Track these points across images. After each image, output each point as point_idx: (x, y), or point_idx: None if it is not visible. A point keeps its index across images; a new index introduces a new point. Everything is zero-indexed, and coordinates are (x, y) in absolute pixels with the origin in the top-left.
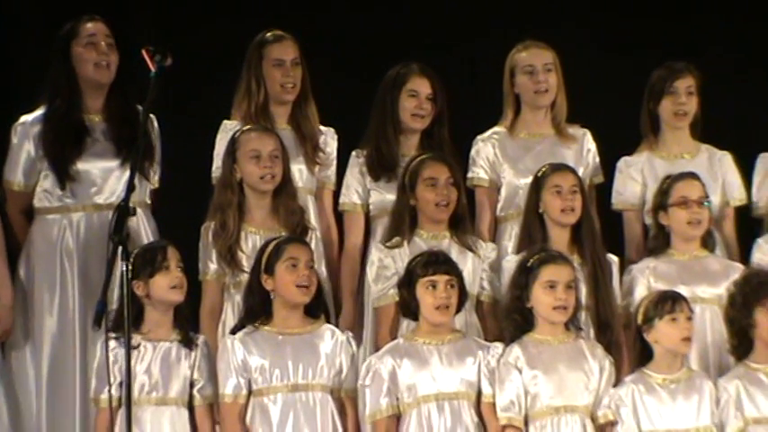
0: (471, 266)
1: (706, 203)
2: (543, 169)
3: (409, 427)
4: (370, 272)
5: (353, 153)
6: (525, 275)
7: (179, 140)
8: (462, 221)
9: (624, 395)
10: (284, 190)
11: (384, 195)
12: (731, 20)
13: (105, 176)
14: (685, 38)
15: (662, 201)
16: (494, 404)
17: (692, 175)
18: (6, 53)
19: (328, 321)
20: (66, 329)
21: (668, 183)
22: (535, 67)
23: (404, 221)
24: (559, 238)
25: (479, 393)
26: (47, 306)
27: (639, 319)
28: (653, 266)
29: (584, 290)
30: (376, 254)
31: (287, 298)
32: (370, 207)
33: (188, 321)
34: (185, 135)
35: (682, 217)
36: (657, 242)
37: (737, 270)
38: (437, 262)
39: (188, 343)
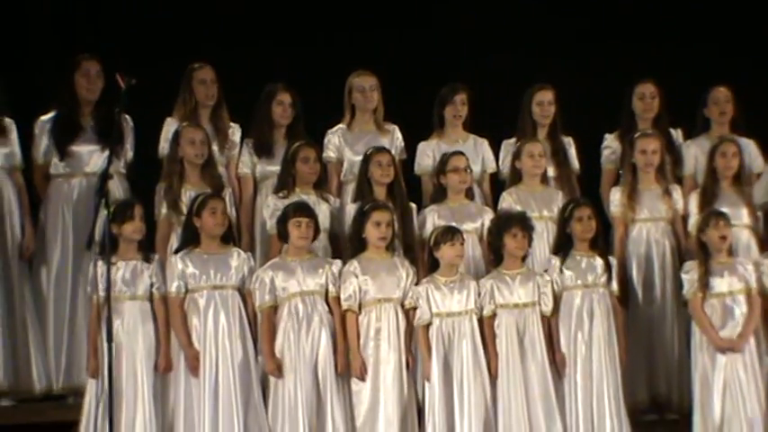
0: (327, 211)
1: (469, 171)
2: (370, 150)
3: (283, 313)
4: (267, 212)
5: (245, 141)
6: (361, 216)
7: (144, 130)
8: (322, 183)
9: (421, 291)
10: (209, 163)
11: (264, 167)
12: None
13: (91, 155)
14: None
15: (442, 168)
16: (337, 298)
17: (461, 153)
18: (31, 75)
19: (234, 245)
20: (66, 252)
21: (446, 157)
22: (365, 88)
23: (287, 183)
24: (380, 193)
25: (327, 292)
26: (54, 237)
27: (431, 242)
28: (436, 210)
29: (396, 225)
30: (272, 200)
31: (208, 232)
32: (257, 175)
33: (145, 246)
34: (148, 126)
35: (455, 179)
36: (439, 195)
37: (488, 212)
38: (302, 209)
39: (147, 260)
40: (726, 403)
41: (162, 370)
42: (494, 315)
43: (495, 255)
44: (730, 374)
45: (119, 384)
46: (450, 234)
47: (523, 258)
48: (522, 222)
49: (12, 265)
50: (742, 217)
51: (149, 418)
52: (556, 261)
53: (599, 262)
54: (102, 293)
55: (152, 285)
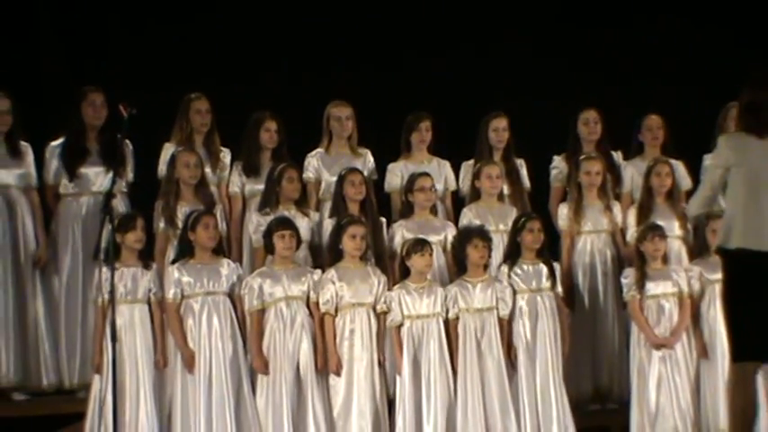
0: (306, 225)
1: (434, 190)
2: (344, 171)
3: (270, 316)
4: (252, 227)
5: (234, 163)
6: (338, 230)
7: (144, 154)
8: (303, 200)
9: (394, 295)
10: (202, 183)
11: (253, 186)
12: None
13: (97, 176)
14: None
15: (410, 187)
16: (317, 303)
17: (427, 174)
18: (43, 105)
19: (224, 256)
20: (76, 262)
21: (414, 177)
22: (341, 116)
23: (272, 201)
24: (354, 209)
25: (308, 297)
26: (65, 248)
27: (404, 252)
28: (404, 224)
29: (368, 238)
30: (256, 217)
31: (202, 245)
32: (245, 193)
33: (145, 255)
34: (147, 151)
35: (421, 197)
36: (407, 211)
37: (451, 226)
38: (285, 223)
39: (147, 267)
40: (660, 394)
41: (161, 366)
42: (458, 318)
43: (459, 265)
44: (664, 368)
45: (122, 379)
46: (420, 245)
47: (485, 267)
48: (481, 235)
49: (25, 273)
50: (674, 229)
51: (151, 409)
52: (504, 268)
53: (544, 269)
54: (106, 297)
55: (150, 290)
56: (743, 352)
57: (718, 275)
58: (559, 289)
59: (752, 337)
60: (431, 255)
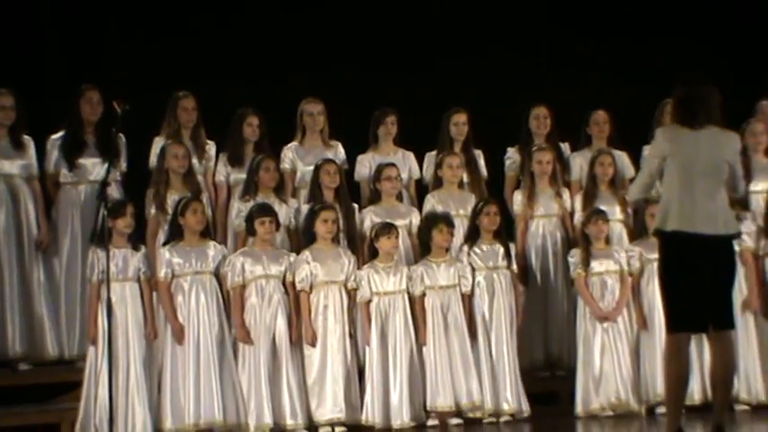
0: (284, 211)
1: (399, 178)
2: (320, 161)
3: (252, 293)
4: (234, 212)
5: (220, 154)
6: (312, 215)
7: (137, 146)
8: (281, 188)
9: (363, 274)
10: (190, 173)
11: (237, 175)
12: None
13: (94, 166)
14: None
15: (377, 177)
16: (293, 282)
17: (393, 164)
18: (44, 101)
19: (211, 239)
20: (74, 244)
21: (381, 167)
22: (313, 113)
23: (251, 189)
24: (329, 196)
25: (285, 278)
26: (65, 232)
27: (372, 235)
28: (373, 210)
29: (341, 222)
30: (237, 204)
31: (190, 228)
32: (230, 182)
33: (134, 238)
34: (139, 143)
35: (387, 186)
36: (375, 198)
37: (415, 212)
38: (265, 210)
39: (136, 248)
40: (603, 361)
41: (150, 338)
42: (423, 295)
43: (424, 246)
44: (607, 338)
45: (115, 350)
46: (387, 229)
47: (447, 249)
48: (446, 220)
49: (28, 256)
50: (616, 213)
51: (141, 376)
52: (465, 248)
53: (500, 249)
54: (101, 276)
55: (139, 270)
56: (677, 324)
57: (656, 255)
58: (514, 267)
59: (685, 311)
60: (397, 237)
